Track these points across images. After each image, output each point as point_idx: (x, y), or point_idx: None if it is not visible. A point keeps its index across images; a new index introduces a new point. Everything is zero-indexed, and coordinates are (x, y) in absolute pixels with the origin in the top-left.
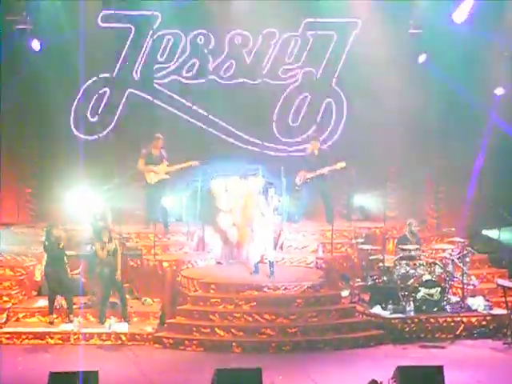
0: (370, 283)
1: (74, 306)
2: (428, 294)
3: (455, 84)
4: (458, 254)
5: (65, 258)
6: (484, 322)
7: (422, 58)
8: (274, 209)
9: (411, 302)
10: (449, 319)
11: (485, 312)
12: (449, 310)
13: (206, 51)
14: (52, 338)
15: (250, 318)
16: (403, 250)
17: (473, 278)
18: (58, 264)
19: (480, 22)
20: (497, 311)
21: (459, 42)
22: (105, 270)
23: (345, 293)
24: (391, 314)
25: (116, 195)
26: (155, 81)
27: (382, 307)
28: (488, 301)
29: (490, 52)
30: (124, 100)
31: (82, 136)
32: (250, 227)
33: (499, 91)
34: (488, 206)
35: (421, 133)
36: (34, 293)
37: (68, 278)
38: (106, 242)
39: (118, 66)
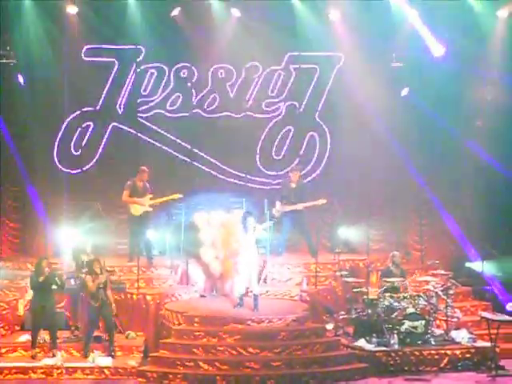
0: (354, 316)
1: (58, 341)
2: (412, 327)
3: (437, 117)
4: (442, 286)
5: (52, 292)
6: (468, 355)
7: (404, 92)
8: (255, 238)
9: (395, 335)
10: (433, 352)
11: (469, 344)
12: (433, 343)
13: (189, 85)
14: (35, 372)
15: (234, 352)
16: (387, 282)
17: (457, 310)
18: (45, 298)
19: (462, 56)
20: (481, 344)
21: (441, 75)
22: (93, 304)
23: (329, 326)
24: (375, 346)
25: (98, 228)
26: (139, 114)
27: (366, 340)
28: (472, 333)
29: (471, 85)
30: (108, 133)
31: (65, 170)
32: (233, 260)
33: (479, 123)
34: (472, 240)
35: (404, 166)
36: (17, 327)
37: (54, 312)
38: (98, 274)
39: (101, 99)
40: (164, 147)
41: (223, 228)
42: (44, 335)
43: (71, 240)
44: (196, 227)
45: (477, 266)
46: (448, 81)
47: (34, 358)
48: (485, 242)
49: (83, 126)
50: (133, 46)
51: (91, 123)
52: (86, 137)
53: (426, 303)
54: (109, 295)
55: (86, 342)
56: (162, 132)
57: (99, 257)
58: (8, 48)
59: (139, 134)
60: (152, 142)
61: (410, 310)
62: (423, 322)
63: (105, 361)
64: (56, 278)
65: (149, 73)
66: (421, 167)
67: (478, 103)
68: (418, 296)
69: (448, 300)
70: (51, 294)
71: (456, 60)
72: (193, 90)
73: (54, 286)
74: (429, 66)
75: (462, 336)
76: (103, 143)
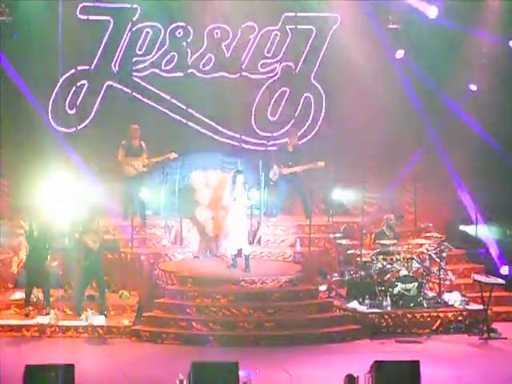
0: (347, 278)
1: (51, 299)
2: (405, 289)
3: (431, 79)
4: (435, 249)
5: (46, 249)
6: (460, 317)
7: (399, 54)
8: (245, 197)
9: (388, 297)
10: (425, 314)
11: (461, 307)
12: (425, 305)
13: (184, 44)
14: (28, 330)
15: (228, 312)
16: (380, 244)
17: (450, 273)
18: (38, 256)
19: (458, 17)
20: (473, 306)
21: (436, 37)
22: (86, 262)
23: (322, 287)
24: (368, 308)
25: (93, 187)
26: (134, 74)
27: (359, 302)
28: (464, 296)
29: (467, 47)
30: (102, 93)
31: (59, 128)
32: (225, 220)
33: (473, 87)
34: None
35: (399, 128)
36: (11, 285)
37: (47, 270)
38: (96, 232)
39: (96, 58)
40: (159, 107)
41: (219, 188)
42: (38, 293)
43: (65, 199)
44: (192, 187)
45: (470, 228)
46: (443, 42)
47: (27, 315)
48: (481, 205)
49: (78, 84)
50: (128, 5)
51: (86, 82)
52: (81, 96)
53: (419, 266)
54: (100, 254)
55: (78, 300)
56: (157, 92)
57: (95, 216)
58: (2, 5)
59: (134, 94)
60: (147, 101)
61: (403, 272)
62: (416, 284)
63: (98, 320)
64: (49, 238)
65: (144, 32)
66: (417, 129)
67: (473, 66)
68: (412, 258)
69: (441, 263)
70: (45, 253)
71: (452, 20)
72: (188, 50)
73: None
74: (424, 27)
75: (454, 299)
76: (98, 102)
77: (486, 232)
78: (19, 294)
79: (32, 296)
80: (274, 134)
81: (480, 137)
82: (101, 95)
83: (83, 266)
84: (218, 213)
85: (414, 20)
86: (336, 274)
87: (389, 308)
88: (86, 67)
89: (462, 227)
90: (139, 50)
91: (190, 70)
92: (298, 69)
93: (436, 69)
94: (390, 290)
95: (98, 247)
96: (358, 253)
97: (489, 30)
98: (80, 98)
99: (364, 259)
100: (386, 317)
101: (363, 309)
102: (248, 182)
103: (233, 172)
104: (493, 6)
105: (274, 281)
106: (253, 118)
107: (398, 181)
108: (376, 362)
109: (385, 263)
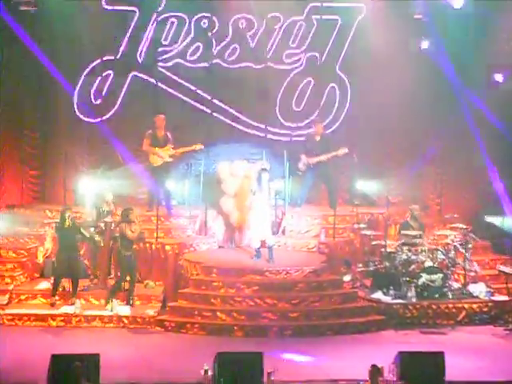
0: (371, 268)
1: (77, 289)
2: (430, 280)
3: (456, 68)
4: (461, 240)
5: (76, 240)
6: (485, 309)
7: (424, 45)
8: (269, 194)
9: (413, 288)
10: (450, 305)
11: (486, 298)
12: (450, 296)
13: (209, 35)
14: (54, 320)
15: (252, 302)
16: (405, 235)
17: (475, 264)
18: (69, 247)
19: (483, 5)
20: (498, 297)
21: (461, 27)
22: (125, 253)
23: (346, 278)
24: (392, 299)
25: (118, 177)
26: (159, 64)
27: (383, 293)
28: (490, 287)
29: (492, 37)
30: (127, 83)
31: (84, 118)
32: (250, 212)
33: (498, 77)
34: (491, 191)
35: (425, 119)
36: (37, 275)
37: (78, 262)
38: (135, 222)
39: (121, 48)
40: (184, 97)
41: (244, 179)
42: (64, 283)
43: (91, 189)
44: (218, 177)
45: (496, 219)
46: (468, 32)
47: (53, 305)
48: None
49: (103, 74)
50: None
51: (111, 72)
52: (106, 86)
53: (444, 257)
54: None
55: (113, 291)
56: (182, 82)
57: (118, 205)
58: None
59: (159, 84)
60: (172, 92)
61: (428, 263)
62: (441, 275)
63: (123, 310)
64: (82, 229)
65: (169, 22)
66: (443, 119)
67: (499, 56)
68: (436, 249)
69: (466, 254)
70: (75, 244)
71: (477, 8)
72: (213, 41)
73: (79, 236)
74: (450, 17)
75: (479, 290)
76: (123, 92)
77: (510, 223)
78: (45, 284)
79: (59, 286)
80: (299, 125)
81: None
82: (126, 85)
83: (122, 257)
84: (243, 203)
85: (440, 10)
86: (360, 265)
87: (413, 299)
88: (112, 57)
89: (487, 218)
90: (164, 41)
91: (214, 61)
92: (323, 59)
93: (461, 58)
94: (415, 280)
95: (136, 238)
96: (383, 243)
97: None
98: (105, 89)
99: (389, 250)
100: (410, 308)
101: (388, 299)
102: (273, 173)
103: (258, 170)
104: None
105: (298, 271)
106: (277, 108)
107: (422, 170)
108: (400, 352)
109: (409, 254)
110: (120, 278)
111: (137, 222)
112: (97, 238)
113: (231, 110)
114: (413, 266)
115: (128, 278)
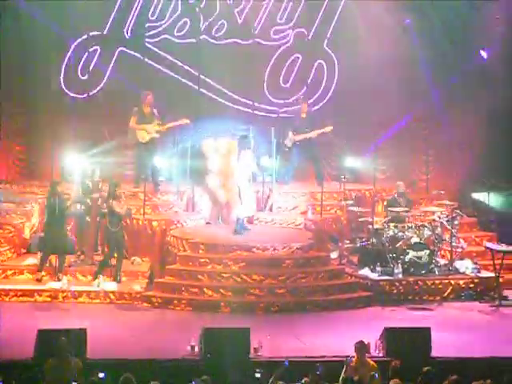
0: (358, 245)
1: (64, 265)
2: (416, 257)
3: (443, 46)
4: (447, 216)
5: (65, 216)
6: (472, 285)
7: (407, 21)
8: (253, 162)
9: (399, 265)
10: (437, 282)
11: (473, 275)
12: (437, 273)
13: (197, 10)
14: (40, 295)
15: (239, 279)
16: (392, 212)
17: (461, 240)
18: (58, 222)
19: None
20: (484, 274)
21: (449, 3)
22: (112, 229)
23: (334, 254)
24: (379, 275)
25: (105, 154)
26: (146, 39)
27: (370, 269)
28: (476, 264)
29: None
30: (115, 58)
31: (71, 94)
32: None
33: (484, 54)
34: (478, 168)
35: (411, 95)
36: (23, 250)
37: (66, 237)
38: (122, 198)
39: (108, 24)
40: (171, 73)
41: (228, 155)
42: (51, 259)
43: (78, 165)
44: (203, 154)
45: (482, 196)
46: (456, 9)
47: (39, 281)
48: (491, 173)
49: (90, 50)
50: None
51: (98, 47)
52: (93, 61)
53: (430, 233)
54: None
55: (101, 266)
56: (170, 58)
57: (105, 182)
58: None
59: (146, 60)
60: (159, 67)
61: (415, 239)
62: (427, 251)
63: (110, 285)
64: (68, 204)
65: None
66: (427, 95)
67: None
68: (423, 226)
69: (453, 230)
70: (64, 219)
71: None
72: (201, 16)
73: (66, 212)
74: None
75: (466, 266)
76: (110, 68)
77: (496, 199)
78: (32, 260)
79: (46, 262)
80: (287, 101)
81: (489, 104)
82: (113, 61)
83: (110, 233)
84: (228, 180)
85: None
86: (347, 241)
87: (400, 275)
88: (99, 33)
89: (473, 194)
90: (152, 16)
91: (202, 37)
92: (310, 35)
93: (448, 36)
94: (402, 257)
95: (124, 212)
96: (370, 220)
97: None
98: (92, 64)
99: (376, 226)
100: (397, 284)
101: (374, 276)
102: (259, 149)
103: (239, 137)
104: None
105: (285, 248)
106: (265, 84)
107: (409, 148)
108: (387, 328)
109: (396, 230)
110: (107, 253)
111: (123, 198)
112: (83, 213)
113: (218, 86)
114: (400, 243)
115: (115, 255)
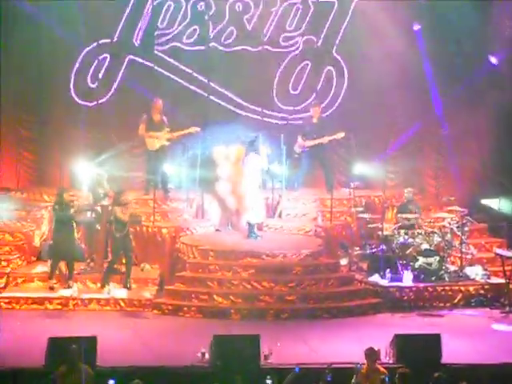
0: (368, 252)
1: (74, 272)
2: (426, 263)
3: (452, 52)
4: (457, 223)
5: (73, 223)
6: (482, 291)
7: (416, 27)
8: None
9: (409, 271)
10: (447, 288)
11: (483, 281)
12: (447, 279)
13: (206, 18)
14: (51, 303)
15: (249, 286)
16: (402, 218)
17: (471, 247)
18: (66, 229)
19: None
20: (495, 280)
21: (460, 9)
22: (118, 235)
23: (343, 261)
24: (389, 282)
25: (115, 161)
26: (156, 47)
27: (380, 276)
28: (486, 270)
29: (490, 20)
30: (124, 66)
31: (81, 102)
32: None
33: (493, 60)
34: (488, 174)
35: (422, 101)
36: (33, 258)
37: (74, 244)
38: (126, 205)
39: (118, 31)
40: (181, 81)
41: (239, 162)
42: (61, 266)
43: (88, 172)
44: (213, 161)
45: (493, 202)
46: (466, 14)
47: (52, 289)
48: (502, 178)
49: (100, 58)
50: None
51: (108, 55)
52: (103, 69)
53: (440, 239)
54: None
55: (106, 273)
56: (179, 65)
57: (124, 188)
58: None
59: (156, 67)
60: (169, 75)
61: (425, 246)
62: (437, 258)
63: (120, 293)
64: (73, 212)
65: (166, 5)
66: (440, 102)
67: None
68: (433, 232)
69: (463, 236)
70: (72, 226)
71: None
72: (210, 24)
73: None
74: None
75: (476, 272)
76: (120, 76)
77: (507, 205)
78: (42, 267)
79: (56, 269)
80: (296, 108)
81: (499, 109)
82: (123, 69)
83: (115, 239)
84: (238, 187)
85: None
86: (357, 248)
87: (410, 282)
88: (108, 41)
89: (483, 201)
90: (161, 24)
91: (211, 44)
92: (319, 42)
93: (458, 41)
94: (412, 263)
95: (127, 219)
96: (380, 226)
97: None
98: (102, 72)
99: (385, 233)
100: (407, 290)
101: (384, 282)
102: (270, 157)
103: (249, 141)
104: None
105: (295, 254)
106: (274, 91)
107: (419, 153)
108: (397, 335)
109: (406, 237)
110: (112, 259)
111: (130, 204)
112: (93, 221)
113: (228, 93)
114: (409, 249)
115: (124, 261)
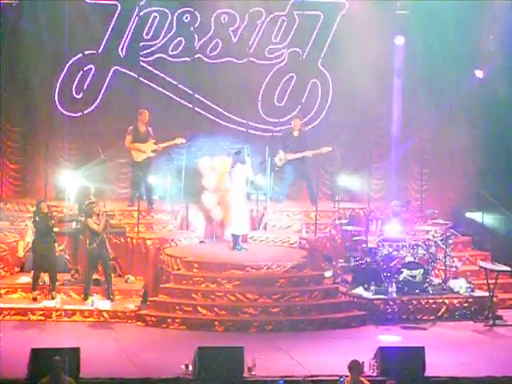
0: (352, 264)
1: (57, 283)
2: (410, 276)
3: (437, 65)
4: (441, 235)
5: (53, 234)
6: (466, 304)
7: (399, 40)
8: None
9: (393, 284)
10: (431, 301)
11: (467, 294)
12: (431, 292)
13: (191, 30)
14: (34, 314)
15: (233, 297)
16: (386, 231)
17: (455, 260)
18: (46, 240)
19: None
20: (478, 293)
21: (443, 22)
22: (92, 246)
23: (328, 273)
24: (373, 294)
25: (100, 172)
26: (141, 58)
27: (364, 288)
28: (470, 283)
29: (474, 33)
30: (109, 77)
31: (66, 113)
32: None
33: (479, 73)
34: (472, 188)
35: (406, 115)
36: (17, 269)
37: (55, 255)
38: (99, 216)
39: (103, 43)
40: (166, 92)
41: (225, 173)
42: (44, 277)
43: (73, 183)
44: (199, 173)
45: (477, 215)
46: (450, 28)
47: (35, 300)
48: (485, 192)
49: (85, 69)
50: None
51: (93, 66)
52: (88, 80)
53: (424, 252)
54: (105, 238)
55: (86, 284)
56: (164, 77)
57: (100, 200)
58: None
59: (141, 79)
60: (154, 86)
61: (409, 258)
62: (422, 270)
63: (104, 304)
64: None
65: (151, 16)
66: (422, 117)
67: (480, 53)
68: (417, 245)
69: (447, 249)
70: (52, 237)
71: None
72: (195, 35)
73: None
74: (432, 13)
75: (460, 285)
76: (104, 87)
77: (490, 218)
78: (25, 278)
79: (39, 280)
80: (281, 120)
81: (484, 125)
82: (107, 80)
83: (88, 250)
84: (224, 198)
85: (422, 5)
86: (342, 260)
87: (394, 294)
88: (93, 52)
89: (468, 214)
90: (146, 35)
91: (197, 55)
92: (305, 55)
93: (442, 54)
94: (396, 276)
95: (101, 230)
96: (364, 239)
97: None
98: (87, 83)
99: (370, 245)
100: (391, 303)
101: (368, 295)
102: (254, 169)
103: (233, 153)
104: None
105: (279, 266)
106: (259, 103)
107: (403, 166)
108: (381, 347)
109: (390, 249)
110: (89, 270)
111: (102, 214)
112: (77, 232)
113: (213, 105)
114: (394, 262)
115: (104, 272)
